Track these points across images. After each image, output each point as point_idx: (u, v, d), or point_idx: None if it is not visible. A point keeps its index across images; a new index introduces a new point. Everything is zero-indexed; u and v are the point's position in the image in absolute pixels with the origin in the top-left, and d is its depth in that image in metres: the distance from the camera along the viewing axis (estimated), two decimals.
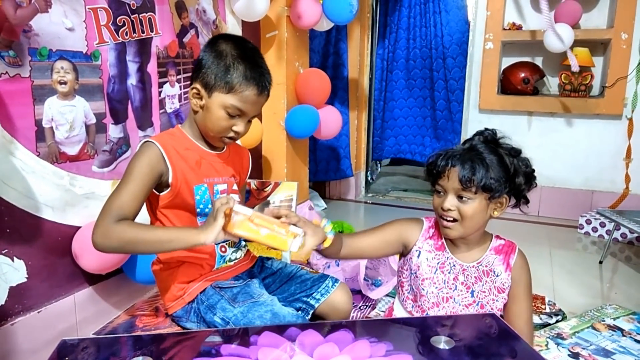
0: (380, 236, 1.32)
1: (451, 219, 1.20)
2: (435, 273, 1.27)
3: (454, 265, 1.26)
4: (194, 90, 1.17)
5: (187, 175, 1.17)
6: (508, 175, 1.19)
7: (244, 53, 1.15)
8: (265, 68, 1.19)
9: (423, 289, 1.27)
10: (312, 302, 1.29)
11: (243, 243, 1.34)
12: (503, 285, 1.25)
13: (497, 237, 1.31)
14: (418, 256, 1.28)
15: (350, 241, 1.28)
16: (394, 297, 1.43)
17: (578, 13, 3.21)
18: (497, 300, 1.24)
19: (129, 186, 1.10)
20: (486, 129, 1.27)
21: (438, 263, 1.27)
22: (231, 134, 1.19)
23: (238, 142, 1.37)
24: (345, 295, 1.34)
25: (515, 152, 1.23)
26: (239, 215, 1.04)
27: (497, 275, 1.25)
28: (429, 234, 1.30)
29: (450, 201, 1.19)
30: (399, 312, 1.36)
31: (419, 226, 1.32)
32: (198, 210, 1.20)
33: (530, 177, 1.23)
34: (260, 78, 1.15)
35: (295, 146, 2.92)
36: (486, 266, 1.26)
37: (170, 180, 1.15)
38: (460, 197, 1.18)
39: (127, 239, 1.05)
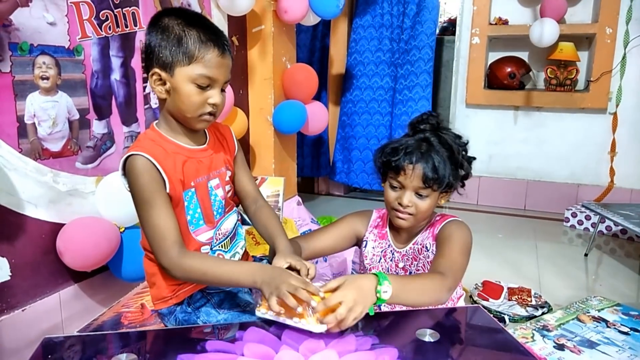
0: (336, 233, 1.37)
1: (407, 213, 1.23)
2: (379, 261, 1.33)
3: (393, 253, 1.33)
4: (155, 77, 1.07)
5: (179, 182, 1.11)
6: (457, 166, 1.24)
7: (190, 19, 1.07)
8: (217, 28, 1.11)
9: None
10: None
11: (241, 244, 1.30)
12: (433, 257, 1.27)
13: (440, 215, 1.35)
14: (365, 246, 1.35)
15: (307, 244, 1.32)
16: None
17: (563, 8, 3.23)
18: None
19: (157, 208, 1.05)
20: (430, 114, 1.28)
21: (381, 251, 1.34)
22: (209, 109, 1.09)
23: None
24: None
25: (462, 142, 1.28)
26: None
27: (427, 249, 1.29)
28: (375, 223, 1.38)
29: (409, 197, 1.22)
30: None
31: (368, 217, 1.39)
32: (188, 217, 1.14)
33: (469, 162, 1.29)
34: (216, 38, 1.07)
35: (283, 141, 2.91)
36: (420, 244, 1.30)
37: (168, 190, 1.08)
38: (418, 195, 1.22)
39: (197, 277, 1.07)
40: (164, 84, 1.08)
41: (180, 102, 1.07)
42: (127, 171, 1.08)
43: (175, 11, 1.10)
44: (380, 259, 1.33)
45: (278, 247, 1.17)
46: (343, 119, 3.78)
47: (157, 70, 1.07)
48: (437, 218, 1.33)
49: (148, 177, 1.06)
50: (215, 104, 1.09)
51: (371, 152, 3.64)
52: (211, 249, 1.20)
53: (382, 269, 1.32)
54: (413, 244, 1.31)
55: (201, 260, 1.09)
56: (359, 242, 1.39)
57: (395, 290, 0.99)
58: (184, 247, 1.07)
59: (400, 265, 1.32)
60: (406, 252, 1.31)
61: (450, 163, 1.22)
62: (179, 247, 1.05)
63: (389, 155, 1.24)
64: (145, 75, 1.98)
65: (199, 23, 1.07)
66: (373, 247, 1.34)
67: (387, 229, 1.35)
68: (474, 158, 1.31)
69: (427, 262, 1.28)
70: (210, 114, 1.10)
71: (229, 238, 1.25)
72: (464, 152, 1.27)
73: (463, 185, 1.30)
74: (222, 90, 1.11)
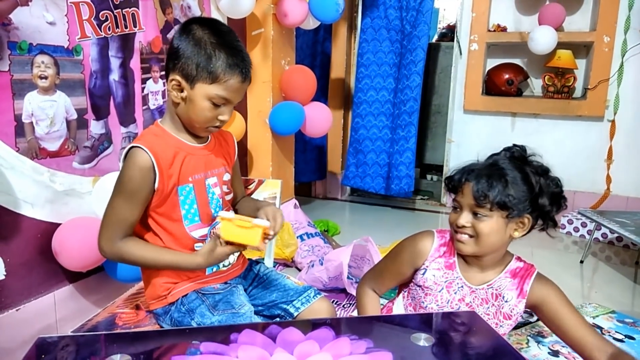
0: (399, 276, 1.32)
1: (466, 235, 1.17)
2: (440, 291, 1.24)
3: (462, 287, 1.23)
4: (174, 82, 1.12)
5: (172, 178, 1.14)
6: (532, 194, 1.15)
7: (222, 39, 1.11)
8: (245, 52, 1.15)
9: (423, 302, 1.26)
10: (292, 310, 1.27)
11: None
12: (511, 311, 1.21)
13: (518, 258, 1.26)
14: (424, 273, 1.26)
15: (378, 288, 1.34)
16: (388, 298, 1.42)
17: (561, 16, 3.25)
18: (501, 326, 1.21)
19: (127, 202, 1.11)
20: (515, 145, 1.22)
21: (445, 282, 1.24)
22: (217, 123, 1.16)
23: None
24: (326, 306, 1.29)
25: (543, 171, 1.19)
26: (223, 220, 1.08)
27: (506, 301, 1.21)
28: (439, 252, 1.26)
29: (465, 217, 1.16)
30: (398, 311, 1.35)
31: (429, 245, 1.27)
32: (183, 212, 1.17)
33: (557, 198, 1.18)
34: (242, 64, 1.11)
35: (280, 144, 2.92)
36: (496, 289, 1.22)
37: (156, 186, 1.12)
38: (475, 214, 1.15)
39: (133, 259, 1.15)
40: (182, 91, 1.12)
41: (192, 113, 1.13)
42: (124, 160, 1.13)
43: (210, 24, 1.13)
44: (442, 288, 1.23)
45: (258, 206, 1.26)
46: (357, 120, 3.72)
47: (178, 77, 1.11)
48: (520, 264, 1.24)
49: (138, 172, 1.10)
50: (224, 121, 1.16)
51: (387, 155, 3.64)
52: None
53: (442, 299, 1.23)
54: (488, 286, 1.22)
55: (140, 247, 1.15)
56: (416, 269, 1.30)
57: None
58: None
59: (467, 300, 1.22)
60: (477, 290, 1.23)
61: (521, 187, 1.14)
62: (124, 235, 1.13)
63: (449, 176, 1.21)
64: (145, 76, 1.98)
65: (230, 44, 1.11)
66: (434, 275, 1.24)
67: (455, 259, 1.25)
68: (562, 191, 1.19)
69: (500, 311, 1.21)
70: (216, 127, 1.17)
71: None
72: (545, 180, 1.18)
73: (555, 224, 1.20)
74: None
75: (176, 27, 1.17)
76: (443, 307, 1.23)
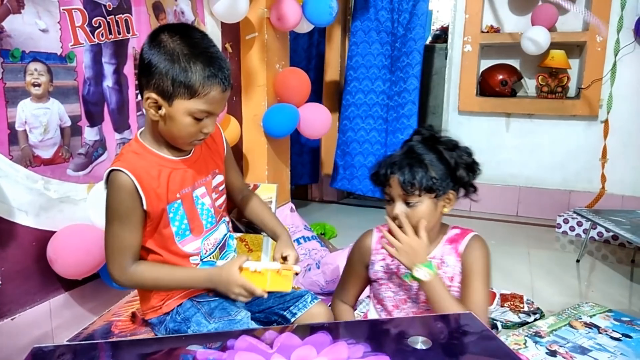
0: (356, 278, 1.39)
1: None
2: (390, 278, 1.30)
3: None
4: (150, 100, 1.05)
5: (160, 197, 1.11)
6: (450, 170, 1.21)
7: (196, 48, 1.03)
8: (222, 57, 1.07)
9: (381, 294, 1.31)
10: (289, 315, 1.26)
11: (231, 256, 1.30)
12: (453, 272, 1.25)
13: (455, 227, 1.31)
14: (373, 268, 1.32)
15: (348, 299, 1.41)
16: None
17: (554, 16, 3.27)
18: (450, 290, 1.24)
19: (124, 226, 1.09)
20: (423, 127, 1.28)
21: (393, 268, 1.30)
22: (201, 137, 1.11)
23: None
24: (324, 311, 1.29)
25: (453, 145, 1.24)
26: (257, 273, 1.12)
27: (448, 266, 1.26)
28: (381, 244, 1.31)
29: (399, 207, 1.21)
30: (372, 315, 1.39)
31: (369, 240, 1.35)
32: (174, 228, 1.15)
33: (471, 167, 1.24)
34: (220, 73, 1.04)
35: (276, 148, 2.91)
36: (440, 259, 1.27)
37: (145, 207, 1.09)
38: (407, 203, 1.20)
39: (149, 284, 1.16)
40: (159, 108, 1.06)
41: (174, 129, 1.08)
42: (107, 185, 1.10)
43: (180, 31, 1.05)
44: (392, 275, 1.29)
45: (280, 237, 1.31)
46: (345, 122, 3.70)
47: (154, 95, 1.04)
48: (457, 231, 1.30)
49: (125, 194, 1.07)
50: (208, 133, 1.11)
51: (375, 158, 3.62)
52: (201, 260, 1.19)
53: (394, 285, 1.28)
54: (431, 259, 1.25)
55: (153, 271, 1.14)
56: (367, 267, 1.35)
57: (435, 283, 1.15)
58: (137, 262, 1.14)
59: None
60: None
61: (439, 166, 1.19)
62: (133, 260, 1.12)
63: (374, 171, 1.25)
64: (137, 84, 1.98)
65: (205, 52, 1.04)
66: (381, 266, 1.30)
67: None
68: (472, 159, 1.25)
69: (447, 277, 1.25)
70: (200, 140, 1.13)
71: (218, 249, 1.24)
72: (460, 157, 1.23)
73: (475, 189, 1.26)
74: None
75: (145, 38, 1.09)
76: (397, 292, 1.29)
